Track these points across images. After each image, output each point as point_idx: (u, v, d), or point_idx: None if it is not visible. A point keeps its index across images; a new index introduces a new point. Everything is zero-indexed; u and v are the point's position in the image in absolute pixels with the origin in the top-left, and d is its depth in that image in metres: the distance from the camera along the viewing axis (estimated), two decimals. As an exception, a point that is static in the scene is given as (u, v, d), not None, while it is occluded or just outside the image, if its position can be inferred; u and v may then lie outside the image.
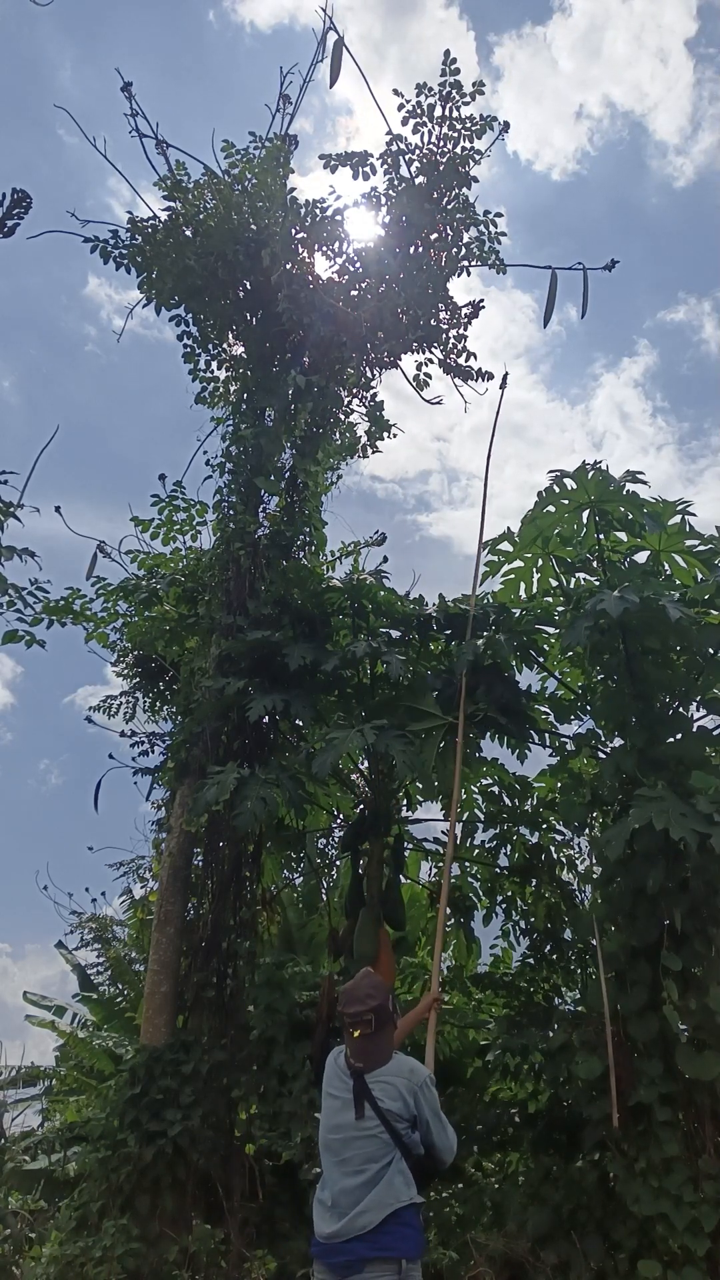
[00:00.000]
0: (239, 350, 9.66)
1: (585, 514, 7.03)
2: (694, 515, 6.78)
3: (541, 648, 7.65)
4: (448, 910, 7.66)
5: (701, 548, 6.88)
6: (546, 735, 7.85)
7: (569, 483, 6.88)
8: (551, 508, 6.99)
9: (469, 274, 8.97)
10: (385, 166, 8.74)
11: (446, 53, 8.65)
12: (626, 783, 6.66)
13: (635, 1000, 6.04)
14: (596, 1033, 6.28)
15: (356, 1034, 3.86)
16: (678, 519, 6.82)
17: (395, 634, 8.18)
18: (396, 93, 8.69)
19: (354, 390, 9.50)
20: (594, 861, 7.27)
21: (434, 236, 8.81)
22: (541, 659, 7.69)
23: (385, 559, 8.79)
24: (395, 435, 9.94)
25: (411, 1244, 3.69)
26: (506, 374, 8.13)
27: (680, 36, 45.80)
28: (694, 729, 6.74)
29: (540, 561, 7.42)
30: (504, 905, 8.36)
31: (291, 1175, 6.78)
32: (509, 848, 8.26)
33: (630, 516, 6.93)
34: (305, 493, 9.27)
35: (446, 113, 8.73)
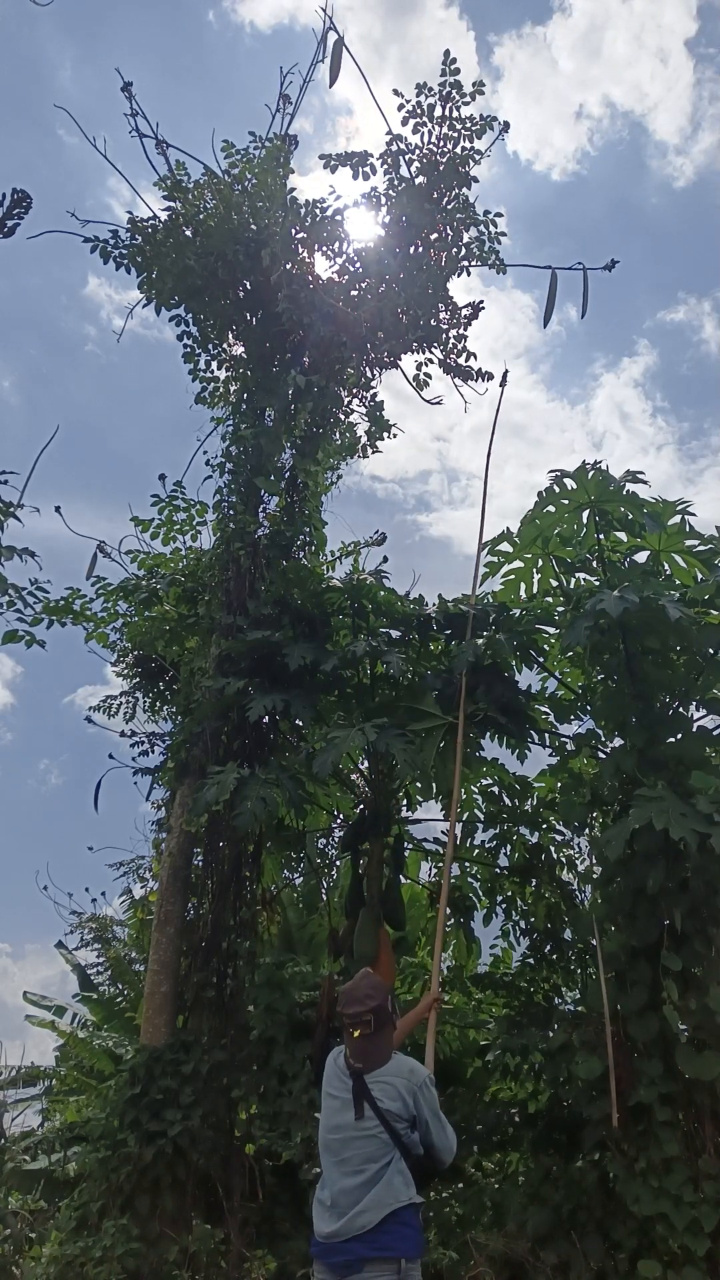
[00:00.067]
0: (239, 350, 9.66)
1: (585, 514, 7.03)
2: (694, 515, 6.79)
3: (541, 648, 7.65)
4: (448, 910, 7.66)
5: (701, 548, 6.88)
6: (546, 735, 7.85)
7: (569, 483, 6.88)
8: (551, 508, 6.99)
9: (469, 274, 8.97)
10: (385, 166, 8.74)
11: (446, 53, 8.66)
12: (626, 783, 6.67)
13: (635, 1000, 6.04)
14: (596, 1033, 6.28)
15: (356, 1034, 3.86)
16: (678, 519, 6.82)
17: (395, 634, 8.17)
18: (396, 93, 8.70)
19: (354, 390, 9.50)
20: (594, 861, 7.27)
21: (434, 236, 8.81)
22: (541, 659, 7.69)
23: (385, 559, 8.78)
24: (395, 435, 9.95)
25: (411, 1244, 3.69)
26: (506, 371, 8.14)
27: (680, 36, 45.87)
28: (694, 729, 6.74)
29: (540, 562, 7.42)
30: (504, 905, 8.36)
31: (291, 1175, 6.78)
32: (509, 848, 8.26)
33: (630, 516, 6.93)
34: (305, 493, 9.27)
35: (446, 113, 8.72)
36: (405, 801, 8.67)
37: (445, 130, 8.73)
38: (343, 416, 9.57)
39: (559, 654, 7.66)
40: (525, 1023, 7.29)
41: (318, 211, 8.88)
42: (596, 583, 7.09)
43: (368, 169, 8.74)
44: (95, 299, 38.89)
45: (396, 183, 8.73)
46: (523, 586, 7.56)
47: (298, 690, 7.49)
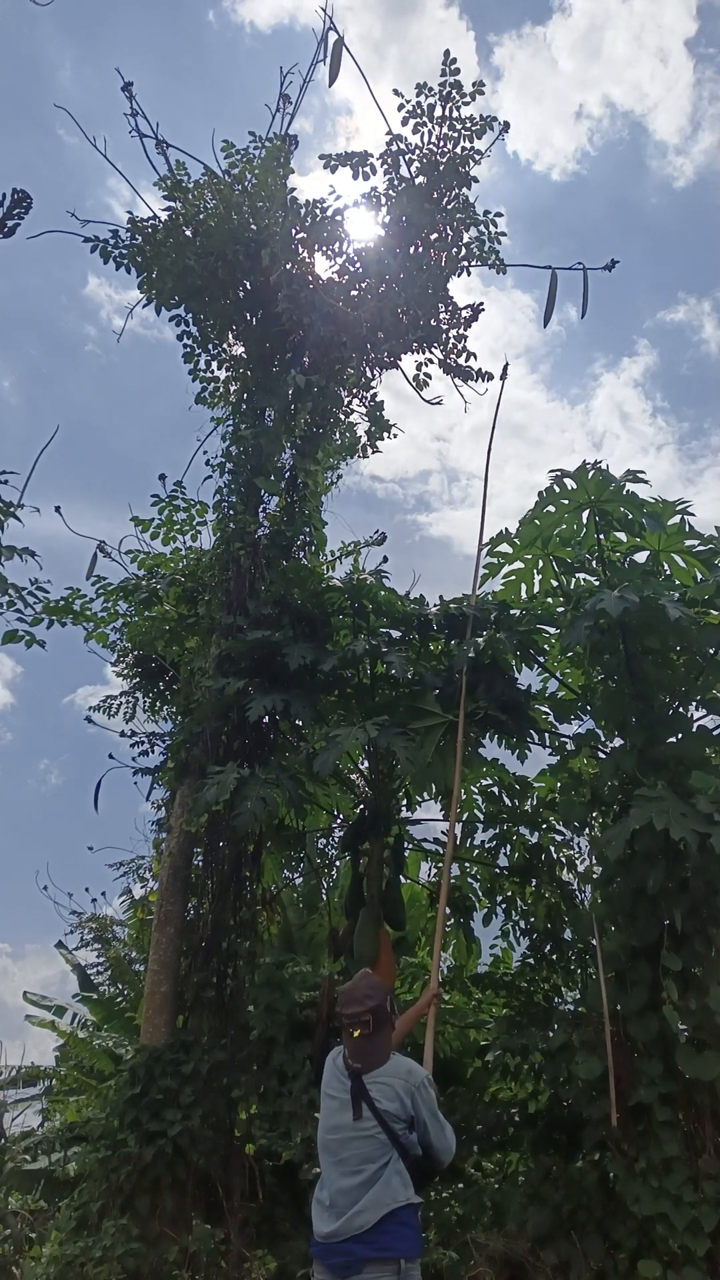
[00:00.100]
0: (239, 350, 9.66)
1: (585, 514, 7.03)
2: (694, 515, 6.79)
3: (542, 647, 7.65)
4: (448, 910, 7.66)
5: (701, 548, 6.88)
6: (546, 735, 7.84)
7: (569, 483, 6.88)
8: (551, 508, 6.99)
9: (469, 274, 8.97)
10: (385, 166, 8.74)
11: (446, 53, 8.66)
12: (626, 783, 6.66)
13: (635, 1000, 6.04)
14: (596, 1033, 6.28)
15: (355, 1034, 3.86)
16: (677, 519, 6.82)
17: (395, 634, 8.17)
18: (396, 93, 8.70)
19: (354, 390, 9.50)
20: (594, 861, 7.26)
21: (434, 236, 8.81)
22: (541, 659, 7.69)
23: (385, 559, 8.79)
24: (395, 435, 9.95)
25: (410, 1244, 3.70)
26: (506, 365, 8.14)
27: (680, 36, 45.88)
28: (694, 729, 6.74)
29: (540, 562, 7.42)
30: (504, 905, 8.36)
31: (291, 1175, 6.77)
32: (509, 848, 8.26)
33: (630, 516, 6.93)
34: (305, 493, 9.27)
35: (446, 113, 8.72)
36: (405, 801, 8.67)
37: (445, 130, 8.74)
38: (343, 416, 9.57)
39: (559, 654, 7.66)
40: (525, 1023, 7.28)
41: (318, 211, 8.88)
42: (596, 583, 7.09)
43: (368, 169, 8.74)
44: (95, 299, 38.94)
45: (396, 183, 8.73)
46: (523, 586, 7.56)
47: (298, 690, 7.48)
